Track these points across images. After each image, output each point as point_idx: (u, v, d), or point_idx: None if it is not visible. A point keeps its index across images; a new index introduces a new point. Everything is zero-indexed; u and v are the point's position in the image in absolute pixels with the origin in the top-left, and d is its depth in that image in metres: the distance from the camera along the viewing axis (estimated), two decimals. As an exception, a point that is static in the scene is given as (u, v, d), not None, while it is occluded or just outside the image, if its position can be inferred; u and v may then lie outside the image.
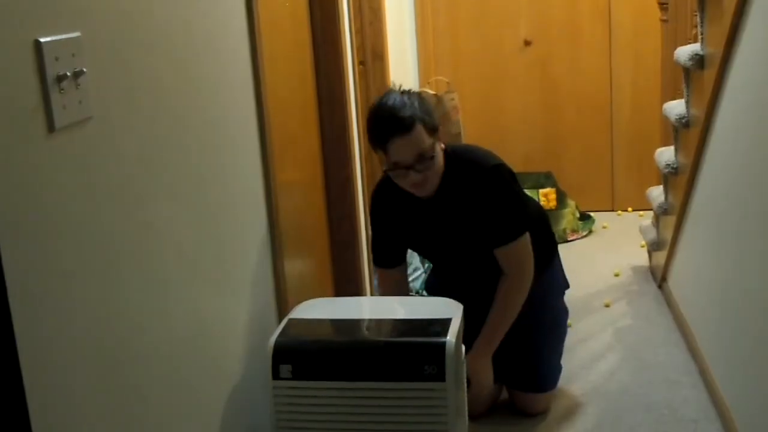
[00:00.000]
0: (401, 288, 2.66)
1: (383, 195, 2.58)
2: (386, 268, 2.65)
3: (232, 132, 1.91)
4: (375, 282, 3.31)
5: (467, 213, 2.49)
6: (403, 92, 2.41)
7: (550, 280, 2.72)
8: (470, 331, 2.30)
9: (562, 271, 2.84)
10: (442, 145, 2.47)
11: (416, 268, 3.51)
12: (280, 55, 2.47)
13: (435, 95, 4.39)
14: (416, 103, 2.38)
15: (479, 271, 2.60)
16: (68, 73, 1.18)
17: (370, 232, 2.76)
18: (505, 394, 2.77)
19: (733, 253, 2.48)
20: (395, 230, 2.59)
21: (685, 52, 2.87)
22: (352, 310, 2.27)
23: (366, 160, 3.35)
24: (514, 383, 2.71)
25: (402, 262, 2.67)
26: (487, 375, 2.51)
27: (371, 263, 3.23)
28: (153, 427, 1.48)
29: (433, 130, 2.40)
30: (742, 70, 2.36)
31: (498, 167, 2.51)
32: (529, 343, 2.67)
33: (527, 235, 2.52)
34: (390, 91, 2.46)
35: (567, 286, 2.86)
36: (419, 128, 2.34)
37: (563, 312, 2.84)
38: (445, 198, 2.46)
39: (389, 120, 2.34)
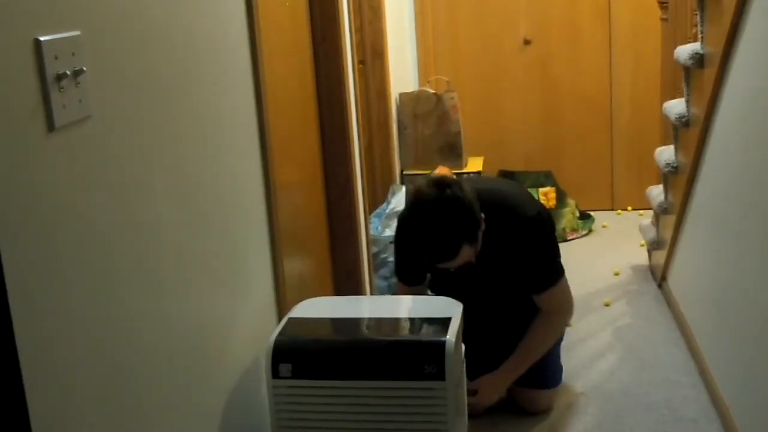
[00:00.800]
0: None
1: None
2: (408, 285, 2.68)
3: (232, 132, 1.91)
4: (376, 281, 3.31)
5: (504, 260, 2.47)
6: (441, 195, 2.23)
7: None
8: (474, 351, 2.31)
9: None
10: (483, 227, 2.35)
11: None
12: (280, 55, 2.47)
13: (435, 94, 4.39)
14: (458, 212, 2.23)
15: (503, 306, 2.64)
16: (68, 72, 1.18)
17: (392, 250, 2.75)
18: (506, 394, 2.77)
19: (733, 252, 2.48)
20: (420, 262, 2.59)
21: (685, 51, 2.87)
22: (352, 309, 2.27)
23: (366, 160, 3.35)
24: (518, 380, 2.71)
25: (424, 280, 2.70)
26: (493, 397, 2.57)
27: (370, 261, 3.23)
28: (152, 426, 1.48)
29: (477, 234, 2.29)
30: (742, 69, 2.36)
31: (539, 216, 2.48)
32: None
33: (565, 278, 2.54)
34: (434, 201, 2.24)
35: None
36: (464, 248, 2.27)
37: None
38: (482, 246, 2.40)
39: (432, 251, 2.28)
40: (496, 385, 2.59)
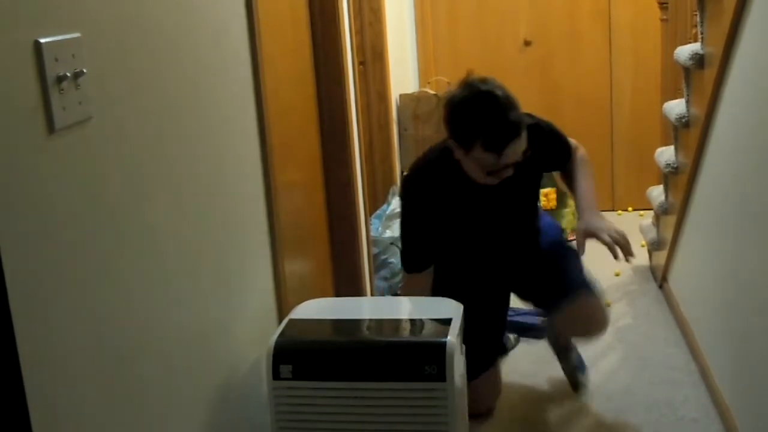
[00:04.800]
0: (425, 292, 2.58)
1: (425, 184, 2.54)
2: (418, 272, 2.61)
3: (232, 132, 1.91)
4: (376, 282, 3.31)
5: (526, 166, 2.50)
6: (494, 88, 2.41)
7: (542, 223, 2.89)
8: (473, 330, 2.31)
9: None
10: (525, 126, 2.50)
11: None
12: (280, 56, 2.47)
13: (435, 95, 4.39)
14: (512, 99, 2.42)
15: (512, 253, 2.71)
16: (68, 74, 1.18)
17: (400, 235, 2.72)
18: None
19: (733, 252, 2.48)
20: (435, 222, 2.57)
21: (685, 52, 2.87)
22: (352, 310, 2.27)
23: (366, 161, 3.35)
24: (566, 294, 2.71)
25: (431, 264, 2.63)
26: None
27: (370, 262, 3.23)
28: (153, 426, 1.48)
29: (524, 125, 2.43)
30: (742, 69, 2.36)
31: (550, 124, 2.71)
32: (559, 263, 2.80)
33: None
34: (490, 89, 2.42)
35: (559, 226, 3.00)
36: (523, 134, 2.39)
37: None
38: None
39: (505, 126, 2.34)
40: (594, 217, 2.63)
